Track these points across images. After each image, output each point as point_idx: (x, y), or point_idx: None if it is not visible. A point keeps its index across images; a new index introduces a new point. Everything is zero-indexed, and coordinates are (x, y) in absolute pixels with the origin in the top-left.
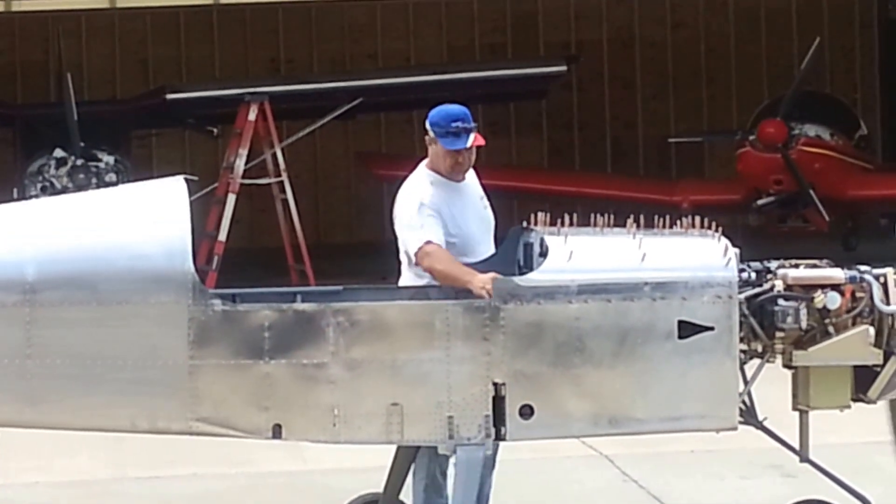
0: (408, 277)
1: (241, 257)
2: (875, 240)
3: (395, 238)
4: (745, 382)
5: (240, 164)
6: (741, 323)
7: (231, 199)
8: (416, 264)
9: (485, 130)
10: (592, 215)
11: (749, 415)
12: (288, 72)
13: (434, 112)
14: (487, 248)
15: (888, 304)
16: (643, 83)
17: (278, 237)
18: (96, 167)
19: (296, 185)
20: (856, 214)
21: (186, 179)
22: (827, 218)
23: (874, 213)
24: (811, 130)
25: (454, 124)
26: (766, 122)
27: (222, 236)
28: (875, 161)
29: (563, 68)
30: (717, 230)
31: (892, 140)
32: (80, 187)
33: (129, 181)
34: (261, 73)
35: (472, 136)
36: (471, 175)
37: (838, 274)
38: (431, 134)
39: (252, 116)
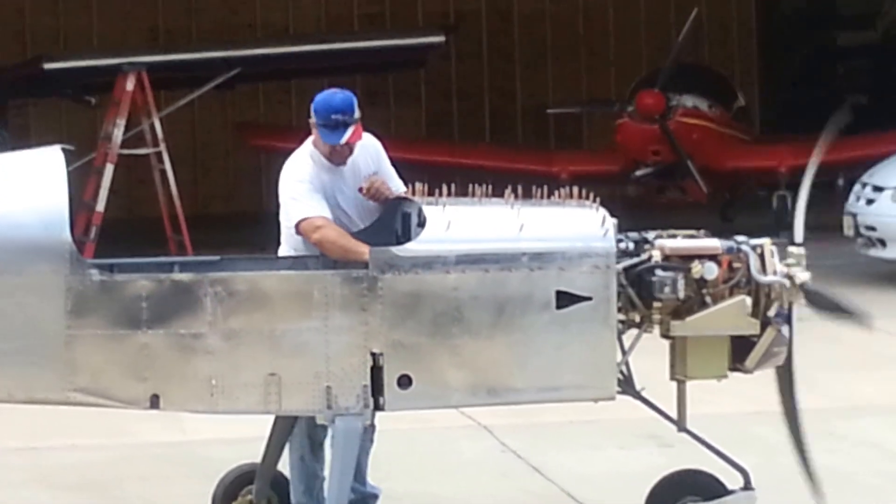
0: (287, 249)
1: (118, 228)
2: (753, 211)
3: (278, 209)
4: (623, 352)
5: (118, 134)
6: (619, 293)
7: (109, 169)
8: (300, 235)
9: (363, 100)
10: (470, 185)
11: (627, 385)
12: (166, 42)
13: (319, 98)
14: None
15: (765, 274)
16: (521, 53)
17: (156, 208)
18: None
19: (174, 155)
20: (734, 186)
21: (64, 149)
22: (705, 189)
23: (752, 184)
24: (689, 101)
25: (333, 116)
26: (644, 92)
27: (100, 206)
28: (753, 132)
29: (442, 39)
30: (594, 200)
31: (770, 111)
32: None
33: (5, 151)
34: (139, 43)
35: (349, 130)
36: (362, 152)
37: (715, 244)
38: (312, 119)
39: (130, 86)
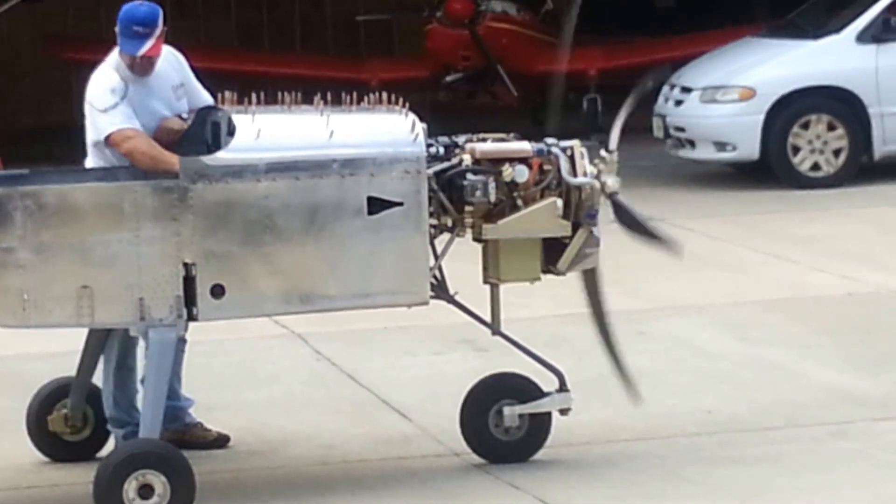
0: (94, 162)
1: None
2: (563, 115)
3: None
4: (436, 257)
5: None
6: (430, 198)
7: None
8: (110, 147)
9: (172, 10)
10: (280, 94)
11: (440, 289)
12: None
13: (124, 8)
14: None
15: (575, 175)
16: None
17: None
18: None
19: None
20: (544, 90)
21: None
22: (515, 93)
23: (562, 87)
24: (498, 6)
25: (134, 28)
26: None
27: None
28: (561, 35)
29: None
30: (404, 106)
31: (579, 14)
32: None
33: None
34: None
35: (148, 42)
36: (168, 63)
37: (526, 147)
38: (116, 28)
39: None
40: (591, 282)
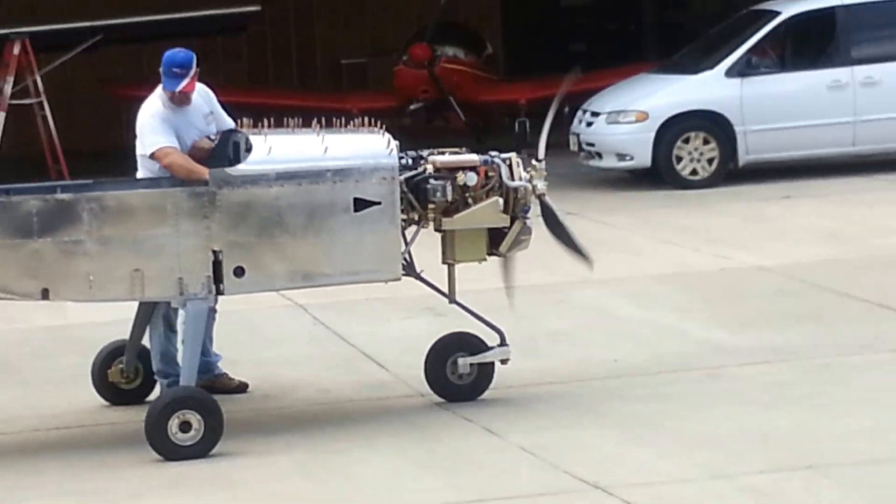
0: (143, 173)
1: (8, 162)
2: (500, 134)
3: (136, 143)
4: (406, 244)
5: (7, 89)
6: (402, 198)
7: (1, 116)
8: (153, 159)
9: (198, 56)
10: (285, 119)
11: (410, 269)
12: (42, 14)
13: (167, 54)
14: None
15: (513, 180)
16: (318, 17)
17: (39, 146)
18: None
19: (51, 104)
20: (485, 115)
21: None
22: (463, 118)
23: (499, 113)
24: (450, 51)
25: (174, 69)
26: (415, 45)
27: None
28: (499, 73)
29: (258, 8)
30: (381, 128)
31: (510, 57)
32: None
33: None
34: (21, 15)
35: (184, 80)
36: (200, 96)
37: (474, 158)
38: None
39: (16, 51)
40: (551, 215)
